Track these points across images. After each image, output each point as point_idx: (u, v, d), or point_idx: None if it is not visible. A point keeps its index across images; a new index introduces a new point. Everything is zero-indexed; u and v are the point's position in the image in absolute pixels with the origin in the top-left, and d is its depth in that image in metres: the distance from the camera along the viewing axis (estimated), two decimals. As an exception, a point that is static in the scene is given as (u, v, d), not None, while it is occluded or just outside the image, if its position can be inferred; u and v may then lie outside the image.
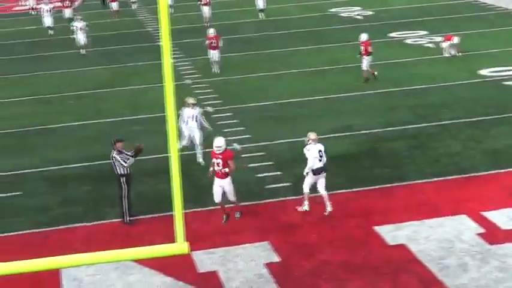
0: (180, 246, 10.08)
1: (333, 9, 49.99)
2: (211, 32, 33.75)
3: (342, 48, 36.55)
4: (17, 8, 59.64)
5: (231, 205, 18.50)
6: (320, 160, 18.53)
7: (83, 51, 39.79)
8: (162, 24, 9.47)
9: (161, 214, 18.70)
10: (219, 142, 17.97)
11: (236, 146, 21.55)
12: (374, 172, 21.25)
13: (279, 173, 21.13)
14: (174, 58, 34.52)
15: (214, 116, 23.33)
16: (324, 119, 26.19)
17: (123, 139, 18.88)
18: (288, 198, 19.36)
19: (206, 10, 46.10)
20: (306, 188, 18.75)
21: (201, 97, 28.48)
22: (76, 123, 27.51)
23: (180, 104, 21.48)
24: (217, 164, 17.86)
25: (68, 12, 50.17)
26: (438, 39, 37.35)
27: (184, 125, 22.16)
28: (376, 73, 30.53)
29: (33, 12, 53.95)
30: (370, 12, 48.04)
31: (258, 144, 23.69)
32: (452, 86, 29.72)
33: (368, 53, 30.57)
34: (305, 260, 16.30)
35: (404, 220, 17.88)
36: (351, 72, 31.39)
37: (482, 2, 49.62)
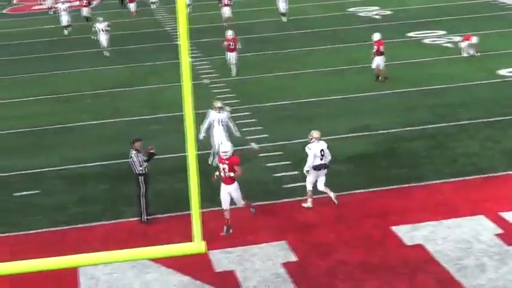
0: (197, 245, 10.07)
1: (351, 9, 49.89)
2: (229, 34, 33.22)
3: (359, 48, 36.43)
4: (36, 7, 59.86)
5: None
6: (321, 159, 18.54)
7: (106, 53, 39.29)
8: (180, 24, 9.48)
9: (178, 213, 18.74)
10: (225, 147, 17.83)
11: (254, 145, 21.55)
12: (392, 172, 21.21)
13: (296, 172, 21.08)
14: (192, 57, 34.57)
15: (232, 115, 23.30)
16: (341, 118, 26.17)
17: (141, 138, 18.96)
18: (305, 197, 19.33)
19: (227, 11, 45.95)
20: (308, 185, 18.80)
21: (218, 96, 28.48)
22: (94, 122, 27.61)
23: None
24: (223, 169, 17.63)
25: (85, 11, 50.37)
26: (457, 39, 37.18)
27: (212, 128, 21.96)
28: (380, 78, 30.47)
29: (51, 12, 54.07)
30: (388, 12, 47.92)
31: (276, 144, 23.68)
32: (471, 86, 29.61)
33: (380, 53, 30.52)
34: (322, 259, 16.28)
35: (421, 220, 17.82)
36: (369, 72, 31.30)
37: (501, 1, 49.36)
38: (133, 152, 18.52)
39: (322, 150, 18.62)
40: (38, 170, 22.96)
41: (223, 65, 33.51)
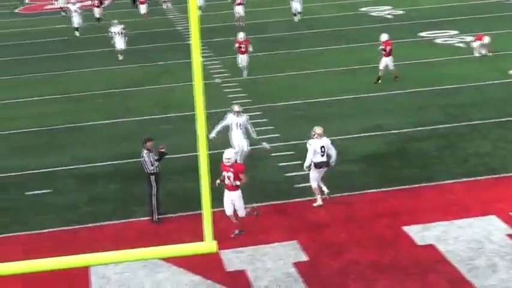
0: (208, 244, 10.09)
1: (363, 9, 49.84)
2: (241, 36, 32.96)
3: (371, 48, 36.28)
4: (48, 7, 60.00)
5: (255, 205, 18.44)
6: (322, 155, 18.51)
7: (120, 57, 38.38)
8: (192, 23, 9.49)
9: (190, 213, 18.75)
10: (228, 154, 17.72)
11: (265, 144, 21.55)
12: (403, 172, 21.17)
13: (307, 172, 21.05)
14: (203, 57, 34.60)
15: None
16: (353, 118, 26.14)
17: (153, 138, 18.99)
18: (315, 198, 19.30)
19: (240, 10, 45.91)
20: (313, 183, 18.81)
21: (230, 96, 28.53)
22: (105, 122, 27.65)
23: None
24: (228, 177, 17.51)
25: (97, 12, 50.34)
26: (469, 38, 37.09)
27: (230, 131, 22.00)
28: (380, 81, 30.40)
29: (63, 13, 53.97)
30: (401, 12, 47.85)
31: (287, 143, 23.67)
32: (483, 86, 29.53)
33: (388, 53, 30.46)
34: (333, 259, 16.26)
35: (433, 220, 17.78)
36: (381, 72, 31.25)
37: (513, 1, 49.29)
38: (145, 151, 18.56)
39: (322, 146, 18.57)
40: (50, 169, 23.02)
41: (235, 65, 33.48)
